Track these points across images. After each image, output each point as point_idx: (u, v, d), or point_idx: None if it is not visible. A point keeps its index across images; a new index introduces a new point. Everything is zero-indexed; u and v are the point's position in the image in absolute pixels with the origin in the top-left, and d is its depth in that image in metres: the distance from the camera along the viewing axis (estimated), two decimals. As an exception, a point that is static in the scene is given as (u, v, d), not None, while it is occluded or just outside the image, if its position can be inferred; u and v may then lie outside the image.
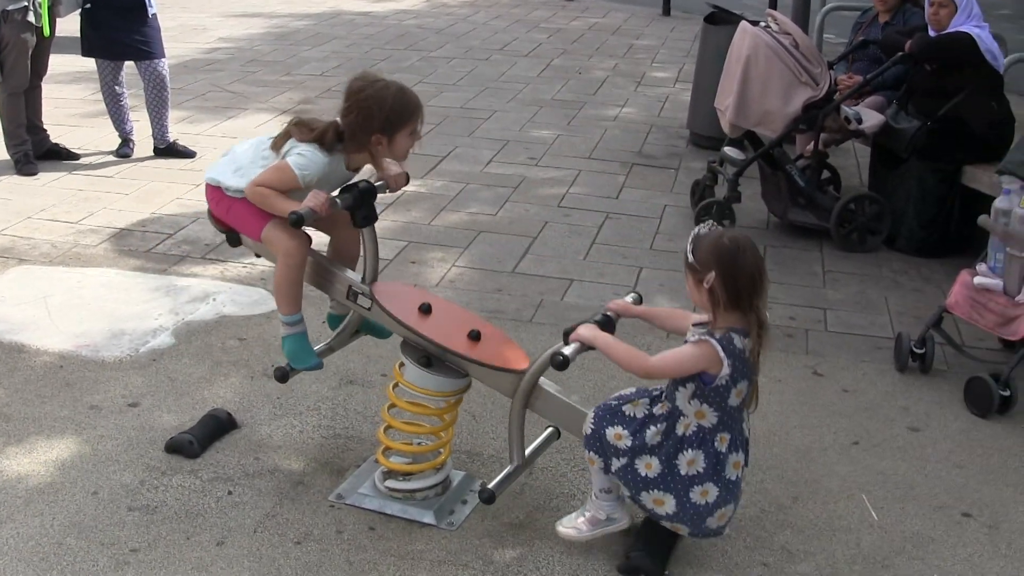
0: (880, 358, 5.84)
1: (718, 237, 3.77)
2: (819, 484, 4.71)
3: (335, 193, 4.30)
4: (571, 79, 12.33)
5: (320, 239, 4.68)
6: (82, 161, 8.94)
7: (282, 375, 4.73)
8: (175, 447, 4.78)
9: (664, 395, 3.95)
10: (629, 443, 3.93)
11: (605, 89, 11.94)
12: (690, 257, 3.79)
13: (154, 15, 8.81)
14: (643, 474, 3.92)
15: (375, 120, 4.30)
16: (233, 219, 4.54)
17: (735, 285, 3.71)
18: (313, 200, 4.19)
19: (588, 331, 3.98)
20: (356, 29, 15.15)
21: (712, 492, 3.90)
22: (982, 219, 5.53)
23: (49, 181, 8.43)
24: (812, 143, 7.60)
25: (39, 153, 8.81)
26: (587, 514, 4.16)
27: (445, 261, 7.00)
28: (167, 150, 9.05)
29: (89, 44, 8.84)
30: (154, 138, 9.10)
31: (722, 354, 3.74)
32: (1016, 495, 4.68)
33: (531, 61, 13.24)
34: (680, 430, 3.88)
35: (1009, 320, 5.34)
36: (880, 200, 7.34)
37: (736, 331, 3.76)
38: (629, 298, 4.28)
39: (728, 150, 7.72)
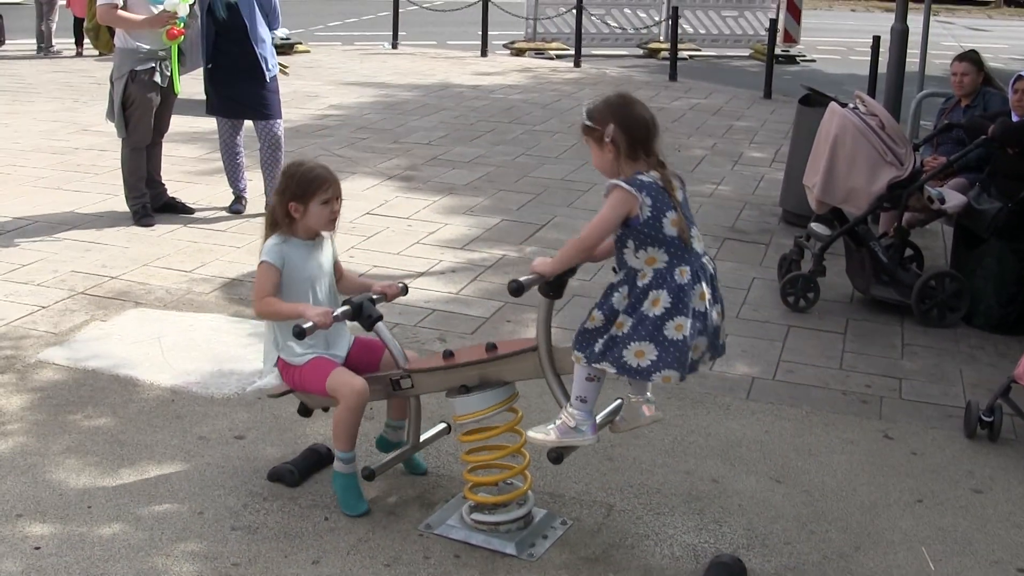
0: (950, 425, 6.07)
1: (608, 96, 4.30)
2: (881, 536, 4.96)
3: (338, 310, 4.80)
4: (670, 156, 12.38)
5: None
6: (196, 215, 9.48)
7: (370, 474, 5.10)
8: (277, 476, 5.18)
9: (615, 267, 4.31)
10: (602, 318, 4.28)
11: (703, 167, 12.28)
12: (587, 121, 4.27)
13: (273, 77, 9.34)
14: (618, 334, 4.22)
15: (288, 191, 4.93)
16: (302, 383, 5.03)
17: (632, 131, 4.20)
18: (314, 314, 4.68)
19: (539, 262, 4.42)
20: (464, 101, 15.65)
21: (686, 325, 4.17)
22: (1051, 295, 5.78)
23: (165, 232, 8.96)
24: (896, 222, 7.86)
25: (156, 206, 9.35)
26: (558, 421, 4.48)
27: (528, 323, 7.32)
28: (276, 210, 9.48)
29: (210, 103, 9.40)
30: (266, 195, 9.53)
31: (631, 188, 4.15)
32: (1071, 555, 4.91)
33: (632, 138, 13.56)
34: (640, 282, 4.21)
35: (1073, 391, 5.58)
36: (960, 278, 7.57)
37: (639, 173, 4.20)
38: None
39: (815, 226, 8.01)
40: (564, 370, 4.60)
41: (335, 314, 4.74)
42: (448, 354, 4.86)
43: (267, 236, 5.02)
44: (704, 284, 4.25)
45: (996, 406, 5.92)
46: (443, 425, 5.29)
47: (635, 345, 4.21)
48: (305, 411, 5.26)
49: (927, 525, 5.07)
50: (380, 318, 4.87)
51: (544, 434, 4.51)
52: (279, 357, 5.05)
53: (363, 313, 4.82)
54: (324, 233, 5.09)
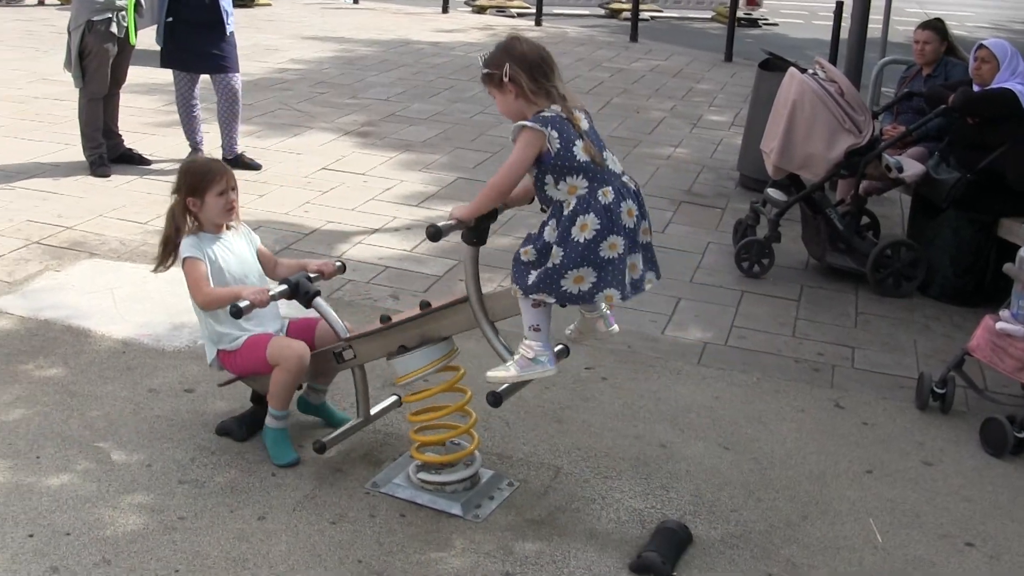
0: (902, 396, 6.05)
1: (499, 42, 4.35)
2: (829, 506, 4.93)
3: (275, 289, 4.85)
4: (628, 118, 12.60)
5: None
6: (153, 167, 9.37)
7: (321, 447, 5.01)
8: (225, 430, 5.14)
9: (543, 207, 4.31)
10: (535, 253, 4.24)
11: (661, 129, 12.21)
12: (485, 69, 4.31)
13: (231, 32, 9.24)
14: (552, 263, 4.18)
15: (184, 187, 4.97)
16: (245, 365, 5.00)
17: (528, 66, 4.22)
18: (252, 294, 4.72)
19: (457, 208, 4.40)
20: (423, 58, 15.51)
21: (619, 243, 4.18)
22: (1007, 267, 5.75)
23: (121, 183, 8.85)
24: (853, 189, 7.82)
25: (113, 157, 9.28)
26: (516, 356, 4.45)
27: (492, 280, 7.25)
28: (234, 161, 9.36)
29: (168, 56, 9.28)
30: (223, 149, 9.48)
31: (536, 125, 4.17)
32: (1021, 529, 4.88)
33: (591, 98, 13.50)
34: (566, 211, 4.18)
35: (1027, 365, 5.55)
36: (916, 247, 7.55)
37: (542, 110, 4.23)
38: None
39: (771, 191, 7.97)
40: (497, 316, 4.57)
41: (272, 293, 4.78)
42: (385, 319, 4.83)
43: (165, 243, 5.02)
44: (630, 201, 4.25)
45: (949, 378, 5.89)
46: (395, 397, 5.27)
47: (573, 272, 4.18)
48: (258, 399, 5.21)
49: (875, 496, 5.05)
50: (318, 293, 4.94)
51: (504, 371, 4.47)
52: (218, 351, 5.02)
53: (300, 290, 4.90)
54: (235, 225, 5.12)
